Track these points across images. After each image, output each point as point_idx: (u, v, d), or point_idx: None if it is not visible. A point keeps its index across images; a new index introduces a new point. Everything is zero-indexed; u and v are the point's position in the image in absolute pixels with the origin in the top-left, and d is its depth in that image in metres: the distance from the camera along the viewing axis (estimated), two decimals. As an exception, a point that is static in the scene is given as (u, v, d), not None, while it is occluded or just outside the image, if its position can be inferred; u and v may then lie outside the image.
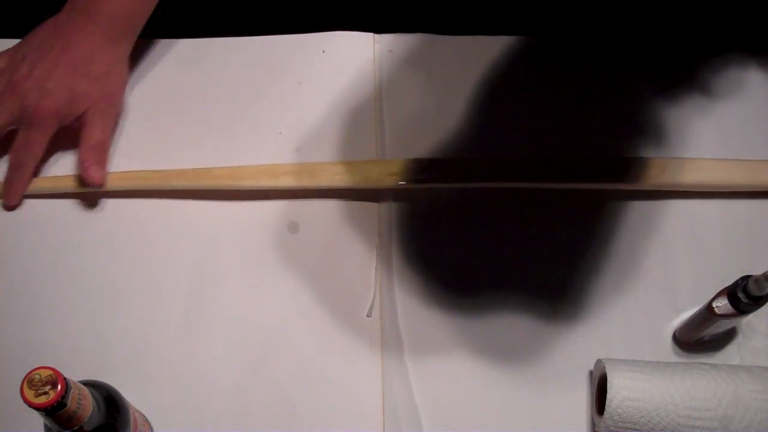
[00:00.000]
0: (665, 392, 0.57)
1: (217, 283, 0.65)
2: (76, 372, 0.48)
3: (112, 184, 0.67)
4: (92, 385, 0.50)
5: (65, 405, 0.44)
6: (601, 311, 0.64)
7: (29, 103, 0.64)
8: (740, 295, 0.55)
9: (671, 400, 0.56)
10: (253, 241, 0.67)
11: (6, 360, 0.62)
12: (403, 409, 0.61)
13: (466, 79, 0.73)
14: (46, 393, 0.43)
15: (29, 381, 0.43)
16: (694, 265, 0.66)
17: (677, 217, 0.68)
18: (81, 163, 0.66)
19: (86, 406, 0.46)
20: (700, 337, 0.62)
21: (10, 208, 0.67)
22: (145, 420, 0.58)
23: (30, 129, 0.65)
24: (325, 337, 0.64)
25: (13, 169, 0.67)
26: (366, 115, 0.72)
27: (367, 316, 0.64)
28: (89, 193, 0.68)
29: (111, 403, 0.51)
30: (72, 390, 0.44)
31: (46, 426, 0.49)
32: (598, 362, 0.61)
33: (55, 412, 0.44)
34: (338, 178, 0.67)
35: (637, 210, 0.68)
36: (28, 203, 0.68)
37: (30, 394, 0.43)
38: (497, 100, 0.72)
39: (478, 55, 0.74)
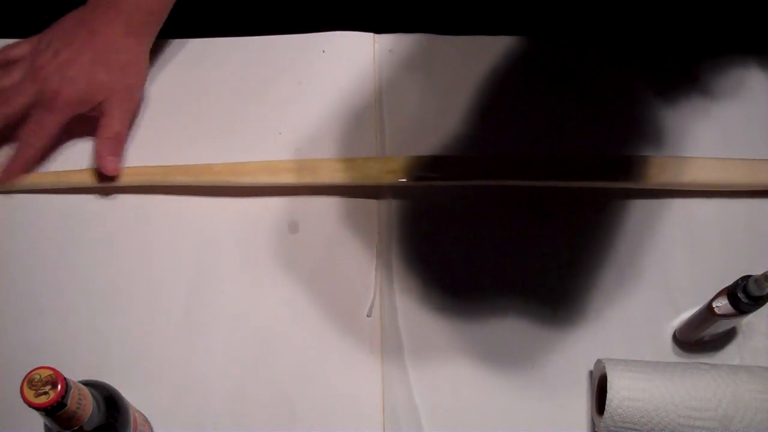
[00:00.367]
0: (665, 392, 0.57)
1: (217, 282, 0.65)
2: (76, 372, 0.48)
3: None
4: (92, 385, 0.50)
5: (65, 405, 0.44)
6: (601, 311, 0.64)
7: (49, 87, 0.65)
8: (740, 295, 0.55)
9: (671, 400, 0.56)
10: (253, 241, 0.67)
11: (6, 360, 0.62)
12: (403, 408, 0.61)
13: (466, 79, 0.73)
14: (46, 393, 0.43)
15: (29, 381, 0.43)
16: (693, 264, 0.66)
17: (677, 217, 0.68)
18: (97, 154, 0.67)
19: (86, 406, 0.46)
20: (700, 337, 0.62)
21: (1, 185, 0.67)
22: (145, 420, 0.58)
23: (45, 112, 0.66)
24: (325, 337, 0.64)
25: (18, 148, 0.67)
26: (366, 115, 0.72)
27: (367, 316, 0.64)
28: (90, 188, 0.68)
29: (111, 403, 0.51)
30: (72, 390, 0.44)
31: (46, 426, 0.49)
32: (598, 362, 0.61)
33: (55, 412, 0.44)
34: (338, 175, 0.67)
35: (636, 209, 0.68)
36: (29, 203, 0.68)
37: (30, 394, 0.43)
38: (497, 100, 0.72)
39: (478, 55, 0.74)
